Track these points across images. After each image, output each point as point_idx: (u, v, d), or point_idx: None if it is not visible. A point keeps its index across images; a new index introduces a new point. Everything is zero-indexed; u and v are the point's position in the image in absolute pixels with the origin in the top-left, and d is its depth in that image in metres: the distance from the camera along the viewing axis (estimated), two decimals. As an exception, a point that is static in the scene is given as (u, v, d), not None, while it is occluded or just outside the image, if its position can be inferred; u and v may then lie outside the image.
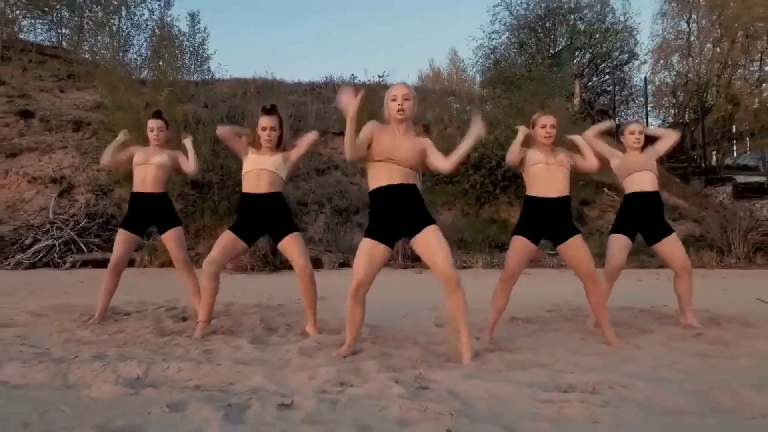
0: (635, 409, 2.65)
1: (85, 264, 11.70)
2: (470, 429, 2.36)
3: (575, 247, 4.30)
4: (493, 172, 14.39)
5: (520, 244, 4.38)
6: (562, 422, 2.47)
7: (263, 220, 4.61)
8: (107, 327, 4.96)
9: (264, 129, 4.54)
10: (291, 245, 4.60)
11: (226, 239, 4.54)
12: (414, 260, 12.48)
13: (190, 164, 5.33)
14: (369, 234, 3.84)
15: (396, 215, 3.79)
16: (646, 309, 5.94)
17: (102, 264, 11.26)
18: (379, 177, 3.81)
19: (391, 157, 3.75)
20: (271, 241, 4.81)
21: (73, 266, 11.72)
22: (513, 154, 4.44)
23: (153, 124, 5.31)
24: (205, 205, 12.94)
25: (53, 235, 12.46)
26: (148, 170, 5.27)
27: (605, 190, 15.24)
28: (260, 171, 4.56)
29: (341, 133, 18.74)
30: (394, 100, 3.83)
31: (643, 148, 5.14)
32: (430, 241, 3.73)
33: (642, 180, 5.02)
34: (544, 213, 4.36)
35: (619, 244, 4.94)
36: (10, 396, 2.88)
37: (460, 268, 11.21)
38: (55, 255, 12.05)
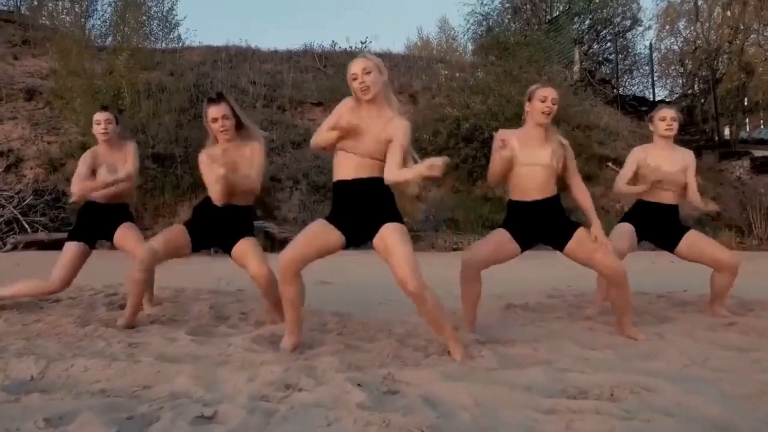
0: (668, 421, 2.12)
1: (28, 246, 11.19)
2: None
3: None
4: (486, 144, 13.92)
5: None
6: (572, 443, 1.95)
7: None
8: (26, 316, 4.43)
9: (215, 120, 4.04)
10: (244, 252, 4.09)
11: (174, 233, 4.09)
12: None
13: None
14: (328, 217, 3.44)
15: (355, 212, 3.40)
16: (663, 294, 5.46)
17: (48, 246, 10.80)
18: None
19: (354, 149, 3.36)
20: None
21: (14, 248, 11.23)
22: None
23: (99, 116, 4.82)
24: (167, 180, 12.44)
25: (-7, 214, 11.95)
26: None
27: (609, 164, 14.82)
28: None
29: (319, 104, 18.49)
30: (354, 78, 3.37)
31: None
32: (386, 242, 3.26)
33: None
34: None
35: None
36: None
37: (450, 250, 10.75)
38: (-6, 236, 11.58)
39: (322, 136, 3.43)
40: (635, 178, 4.56)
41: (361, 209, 3.33)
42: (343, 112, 3.42)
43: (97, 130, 4.78)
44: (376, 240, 3.27)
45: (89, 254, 4.73)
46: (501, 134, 3.90)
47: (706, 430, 2.06)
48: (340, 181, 3.39)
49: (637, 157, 4.55)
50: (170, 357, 3.14)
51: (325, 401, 2.36)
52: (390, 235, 3.21)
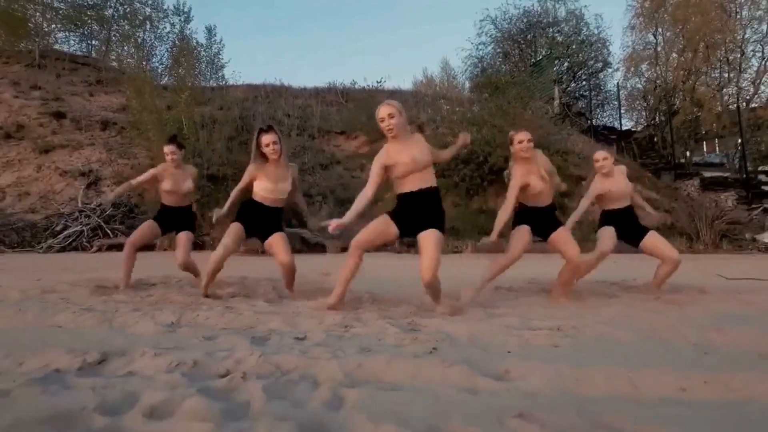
0: (591, 340, 2.92)
1: (110, 248, 11.88)
2: (452, 349, 2.63)
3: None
4: (481, 166, 14.60)
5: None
6: (528, 346, 2.75)
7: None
8: (138, 292, 5.19)
9: (268, 145, 4.70)
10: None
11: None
12: (409, 246, 12.75)
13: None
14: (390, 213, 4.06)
15: (413, 213, 3.97)
16: (616, 282, 6.13)
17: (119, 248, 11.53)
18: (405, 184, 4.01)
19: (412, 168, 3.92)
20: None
21: (99, 250, 11.91)
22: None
23: (167, 149, 5.57)
24: (220, 196, 13.14)
25: (81, 222, 12.69)
26: (179, 196, 5.66)
27: (584, 183, 15.44)
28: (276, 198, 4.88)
29: (342, 132, 19.23)
30: (382, 121, 3.92)
31: None
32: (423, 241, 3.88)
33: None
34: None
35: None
36: (69, 333, 3.13)
37: (450, 252, 11.30)
38: (84, 240, 12.28)
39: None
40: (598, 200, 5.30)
41: (417, 212, 3.93)
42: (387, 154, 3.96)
43: (168, 159, 5.53)
44: (419, 237, 3.87)
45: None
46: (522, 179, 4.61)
47: (615, 345, 2.84)
48: (404, 193, 3.97)
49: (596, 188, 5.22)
50: (260, 311, 3.94)
51: (372, 332, 3.16)
52: (427, 238, 3.82)
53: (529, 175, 4.60)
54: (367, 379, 2.07)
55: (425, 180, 3.96)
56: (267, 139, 4.72)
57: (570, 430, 1.44)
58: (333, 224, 3.73)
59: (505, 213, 4.49)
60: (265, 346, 2.70)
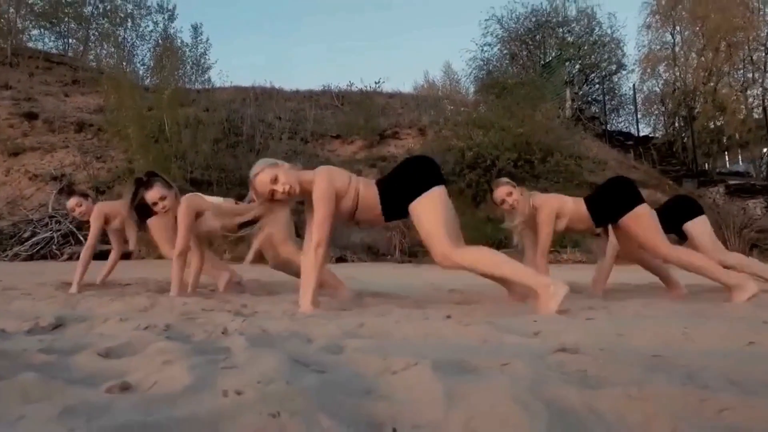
0: (626, 315, 2.74)
1: (81, 256, 11.63)
2: (468, 317, 2.44)
3: None
4: (488, 171, 14.42)
5: None
6: (557, 316, 2.56)
7: None
8: (110, 290, 5.04)
9: (155, 203, 4.07)
10: None
11: None
12: (411, 256, 12.58)
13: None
14: None
15: None
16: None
17: (99, 256, 11.09)
18: None
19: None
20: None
21: (70, 258, 11.68)
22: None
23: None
24: (205, 201, 12.98)
25: (52, 228, 12.49)
26: None
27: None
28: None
29: (338, 136, 19.12)
30: (273, 193, 3.20)
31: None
32: None
33: None
34: None
35: None
36: (25, 312, 2.92)
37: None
38: (53, 247, 12.08)
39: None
40: None
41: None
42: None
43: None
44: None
45: None
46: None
47: (653, 318, 2.65)
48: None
49: None
50: (245, 301, 3.76)
51: (378, 312, 2.97)
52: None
53: None
54: (372, 335, 1.87)
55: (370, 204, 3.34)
56: (152, 196, 4.06)
57: (628, 365, 1.24)
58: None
59: None
60: (252, 318, 2.51)
